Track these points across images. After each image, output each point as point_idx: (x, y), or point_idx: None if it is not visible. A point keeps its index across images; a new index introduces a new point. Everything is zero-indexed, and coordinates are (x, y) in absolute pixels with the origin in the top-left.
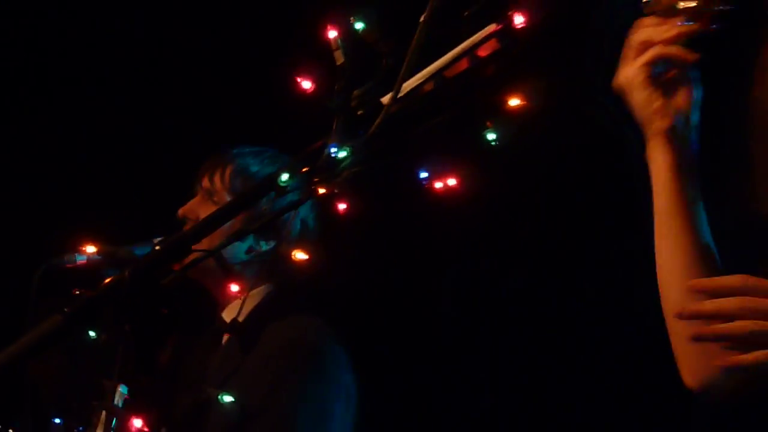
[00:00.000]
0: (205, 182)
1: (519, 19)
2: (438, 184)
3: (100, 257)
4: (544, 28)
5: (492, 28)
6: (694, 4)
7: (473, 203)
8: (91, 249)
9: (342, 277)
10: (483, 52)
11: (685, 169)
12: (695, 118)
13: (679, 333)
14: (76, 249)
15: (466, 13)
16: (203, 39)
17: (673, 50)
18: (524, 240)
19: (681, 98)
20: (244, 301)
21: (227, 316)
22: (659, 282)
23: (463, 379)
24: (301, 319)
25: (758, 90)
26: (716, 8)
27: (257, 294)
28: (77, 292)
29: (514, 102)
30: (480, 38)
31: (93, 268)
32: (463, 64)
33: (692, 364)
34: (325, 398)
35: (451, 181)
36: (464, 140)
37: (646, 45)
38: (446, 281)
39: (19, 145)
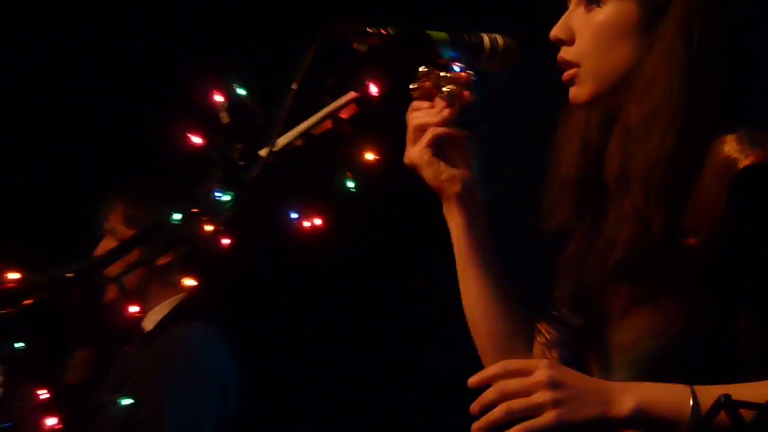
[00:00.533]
0: (105, 224)
1: (374, 89)
2: (306, 223)
3: (19, 281)
4: (390, 96)
5: (351, 95)
6: (451, 88)
7: (332, 238)
8: (12, 275)
9: (226, 293)
10: (344, 114)
11: (475, 225)
12: (477, 179)
13: None
14: (2, 274)
15: (330, 83)
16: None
17: (445, 131)
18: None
19: (463, 166)
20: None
21: (145, 326)
22: (470, 326)
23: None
24: (187, 325)
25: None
26: (470, 88)
27: (166, 306)
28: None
29: (368, 156)
30: (342, 103)
31: (13, 290)
32: (328, 124)
33: None
34: (197, 390)
35: (317, 221)
36: (327, 187)
37: (423, 128)
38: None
39: None
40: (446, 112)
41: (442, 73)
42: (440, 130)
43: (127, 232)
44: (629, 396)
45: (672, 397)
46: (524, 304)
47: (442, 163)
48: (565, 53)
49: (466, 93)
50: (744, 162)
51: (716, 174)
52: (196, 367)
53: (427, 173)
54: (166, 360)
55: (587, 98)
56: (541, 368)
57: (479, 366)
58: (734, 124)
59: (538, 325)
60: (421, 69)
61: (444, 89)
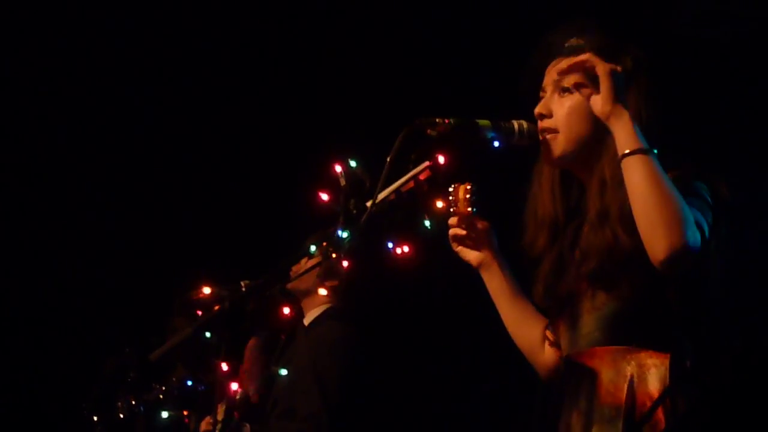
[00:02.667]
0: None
1: (441, 160)
2: (398, 250)
3: (212, 293)
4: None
5: (427, 164)
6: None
7: (419, 264)
8: (207, 289)
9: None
10: (422, 177)
11: (503, 278)
12: (495, 246)
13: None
14: (199, 288)
15: (413, 156)
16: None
17: (459, 230)
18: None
19: (487, 246)
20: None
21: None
22: (514, 337)
23: None
24: (331, 323)
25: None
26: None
27: (318, 310)
28: (199, 313)
29: (439, 204)
30: (420, 170)
31: (208, 299)
32: (411, 184)
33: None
34: (338, 367)
35: (405, 248)
36: (412, 226)
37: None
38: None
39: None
40: (455, 219)
41: (468, 186)
42: (455, 231)
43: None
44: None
45: (635, 138)
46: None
47: (467, 251)
48: (546, 123)
49: (467, 203)
50: (679, 171)
51: None
52: (335, 351)
53: (467, 256)
54: (314, 345)
55: (559, 155)
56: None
57: None
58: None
59: None
60: (464, 184)
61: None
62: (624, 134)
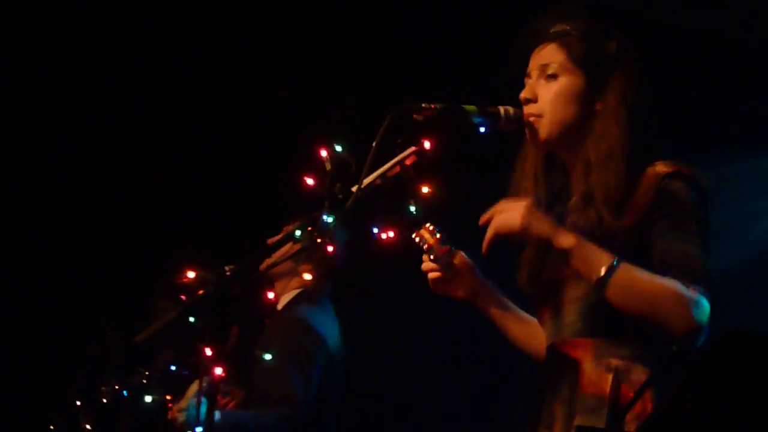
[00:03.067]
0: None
1: (427, 145)
2: (383, 235)
3: (196, 277)
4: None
5: (413, 149)
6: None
7: (404, 248)
8: (191, 273)
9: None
10: (408, 162)
11: (494, 303)
12: (483, 279)
13: None
14: (183, 272)
15: (398, 141)
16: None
17: (436, 273)
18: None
19: (471, 278)
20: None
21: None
22: (517, 344)
23: None
24: (304, 304)
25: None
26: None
27: (293, 293)
28: (183, 298)
29: (425, 189)
30: (406, 154)
31: (192, 283)
32: (397, 169)
33: None
34: (310, 350)
35: (390, 233)
36: (398, 210)
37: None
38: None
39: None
40: (431, 265)
41: (430, 227)
42: (433, 275)
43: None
44: (573, 236)
45: (601, 253)
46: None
47: (450, 287)
48: (531, 108)
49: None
50: (668, 170)
51: (649, 182)
52: (309, 334)
53: (451, 295)
54: (289, 328)
55: (545, 139)
56: (525, 200)
57: None
58: (656, 156)
59: None
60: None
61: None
62: (582, 263)
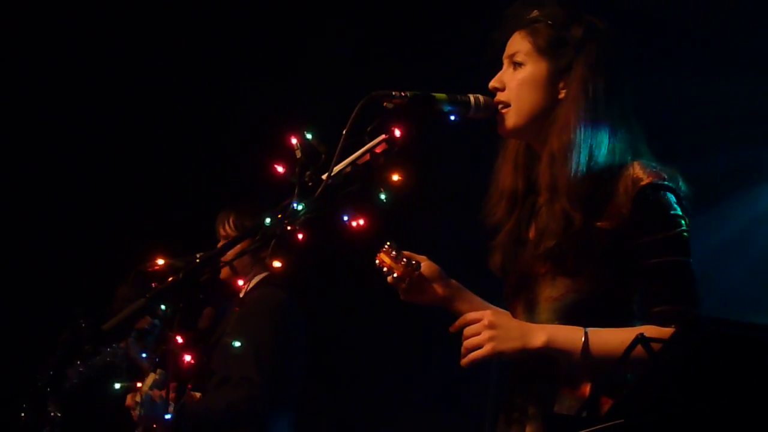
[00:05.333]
0: (221, 229)
1: (397, 133)
2: (353, 223)
3: (165, 265)
4: (409, 138)
5: (383, 137)
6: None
7: (373, 234)
8: (161, 261)
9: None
10: (378, 150)
11: (474, 302)
12: (451, 283)
13: None
14: (153, 260)
15: (369, 129)
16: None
17: (405, 292)
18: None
19: (439, 284)
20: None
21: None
22: None
23: None
24: (267, 289)
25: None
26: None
27: (256, 280)
28: (154, 285)
29: (395, 177)
30: (376, 142)
31: (162, 271)
32: (367, 157)
33: None
34: (274, 332)
35: (361, 221)
36: (368, 198)
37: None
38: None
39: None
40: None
41: (388, 248)
42: (403, 290)
43: (235, 233)
44: (541, 333)
45: (571, 334)
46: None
47: (422, 296)
48: (500, 96)
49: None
50: (645, 181)
51: (627, 187)
52: (272, 318)
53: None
54: (252, 312)
55: (511, 128)
56: (486, 315)
57: None
58: (629, 147)
59: None
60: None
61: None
62: (560, 353)
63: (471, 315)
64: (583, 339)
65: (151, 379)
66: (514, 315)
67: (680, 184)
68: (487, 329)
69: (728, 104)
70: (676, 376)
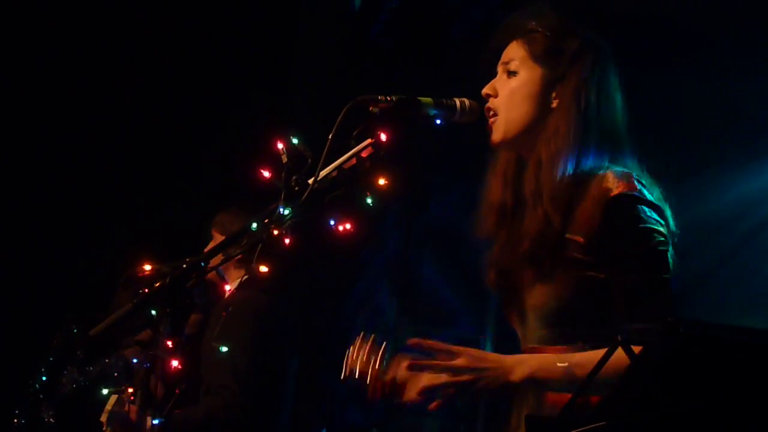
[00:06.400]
0: (213, 233)
1: (384, 137)
2: (340, 227)
3: (153, 270)
4: (395, 143)
5: (369, 141)
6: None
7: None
8: (148, 266)
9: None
10: (364, 154)
11: None
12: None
13: None
14: (141, 265)
15: (355, 133)
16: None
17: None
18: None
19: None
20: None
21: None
22: None
23: None
24: (249, 292)
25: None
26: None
27: (236, 283)
28: (142, 291)
29: (381, 182)
30: (362, 146)
31: (150, 276)
32: (353, 161)
33: None
34: (259, 333)
35: (347, 226)
36: (354, 202)
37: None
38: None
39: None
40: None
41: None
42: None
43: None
44: (521, 367)
45: (552, 365)
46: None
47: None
48: (491, 103)
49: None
50: (615, 191)
51: (596, 197)
52: (251, 323)
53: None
54: (233, 317)
55: (500, 139)
56: (462, 354)
57: None
58: (611, 160)
59: None
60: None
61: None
62: (543, 384)
63: (441, 346)
64: (564, 371)
65: (113, 399)
66: (512, 325)
67: (656, 194)
68: (468, 370)
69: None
70: (658, 378)
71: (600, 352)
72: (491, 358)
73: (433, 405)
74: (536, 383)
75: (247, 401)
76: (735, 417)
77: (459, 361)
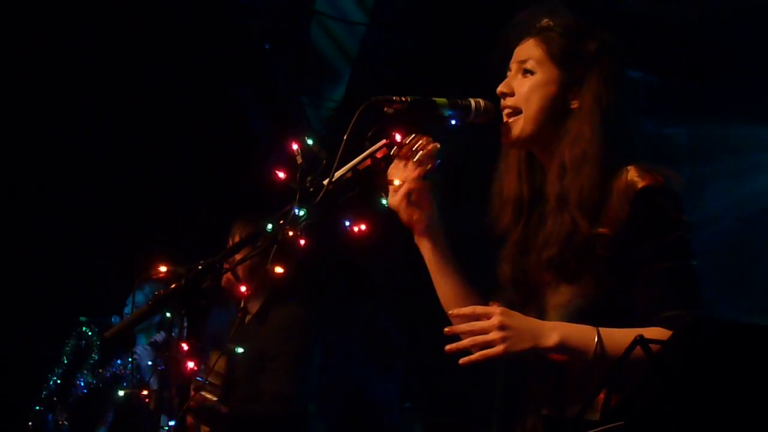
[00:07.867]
0: (231, 237)
1: (398, 138)
2: (355, 228)
3: (168, 272)
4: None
5: (383, 141)
6: (422, 155)
7: (375, 239)
8: (163, 268)
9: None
10: (378, 155)
11: (439, 248)
12: (438, 215)
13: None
14: (157, 267)
15: (369, 134)
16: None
17: (416, 185)
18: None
19: (427, 208)
20: (262, 299)
21: (250, 307)
22: (445, 310)
23: None
24: (291, 306)
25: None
26: (435, 159)
27: (262, 295)
28: (157, 293)
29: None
30: (377, 147)
31: (165, 278)
32: (368, 162)
33: None
34: (303, 350)
35: (362, 226)
36: (368, 204)
37: (402, 182)
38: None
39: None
40: (417, 171)
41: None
42: (413, 184)
43: None
44: (554, 332)
45: (584, 333)
46: (478, 287)
47: (413, 208)
48: (508, 102)
49: (431, 159)
50: (641, 184)
51: (622, 191)
52: (303, 332)
53: (403, 216)
54: (282, 327)
55: (520, 135)
56: (496, 314)
57: None
58: (630, 158)
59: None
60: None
61: (417, 155)
62: (572, 351)
63: (480, 309)
64: (596, 338)
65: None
66: None
67: (677, 186)
68: (497, 329)
69: None
70: (676, 377)
71: (629, 332)
72: (525, 320)
73: (464, 360)
74: (566, 351)
75: (300, 411)
76: (753, 416)
77: (494, 320)
